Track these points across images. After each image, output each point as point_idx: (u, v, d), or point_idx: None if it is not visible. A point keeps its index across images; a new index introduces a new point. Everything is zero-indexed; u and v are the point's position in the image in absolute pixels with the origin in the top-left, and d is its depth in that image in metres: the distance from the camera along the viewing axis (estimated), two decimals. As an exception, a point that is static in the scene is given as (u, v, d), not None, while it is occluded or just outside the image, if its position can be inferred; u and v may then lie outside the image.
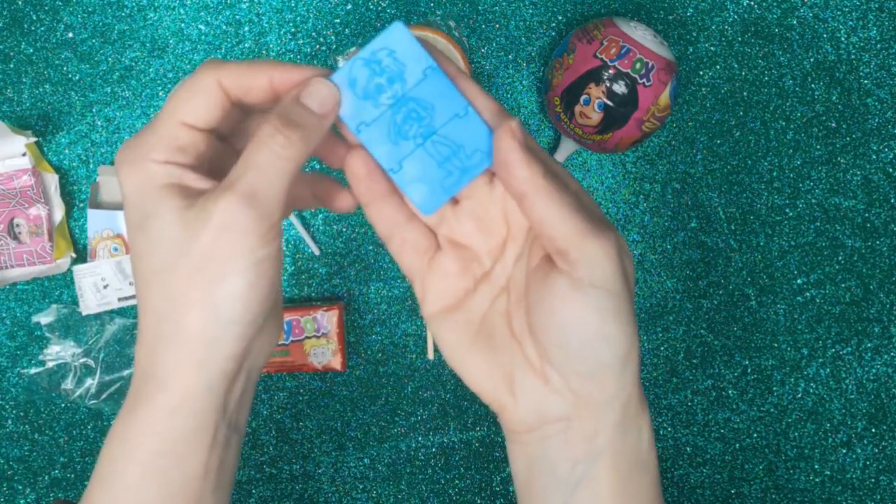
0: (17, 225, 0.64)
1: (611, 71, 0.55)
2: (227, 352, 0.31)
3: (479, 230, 0.37)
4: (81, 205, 0.65)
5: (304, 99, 0.33)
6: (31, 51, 0.64)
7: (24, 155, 0.62)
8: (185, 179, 0.32)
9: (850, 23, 0.65)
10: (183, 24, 0.64)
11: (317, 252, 0.65)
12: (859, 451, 0.68)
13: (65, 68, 0.64)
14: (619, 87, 0.55)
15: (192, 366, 0.31)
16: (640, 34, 0.56)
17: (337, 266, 0.66)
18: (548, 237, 0.33)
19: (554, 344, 0.33)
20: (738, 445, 0.68)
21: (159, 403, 0.31)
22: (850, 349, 0.67)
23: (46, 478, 0.67)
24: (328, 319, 0.63)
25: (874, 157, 0.66)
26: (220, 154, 0.35)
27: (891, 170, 0.66)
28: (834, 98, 0.65)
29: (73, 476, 0.67)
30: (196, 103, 0.32)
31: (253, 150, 0.32)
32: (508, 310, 0.36)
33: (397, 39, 0.34)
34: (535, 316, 0.34)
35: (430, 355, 0.66)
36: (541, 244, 0.35)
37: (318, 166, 0.66)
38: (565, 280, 0.32)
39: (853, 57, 0.65)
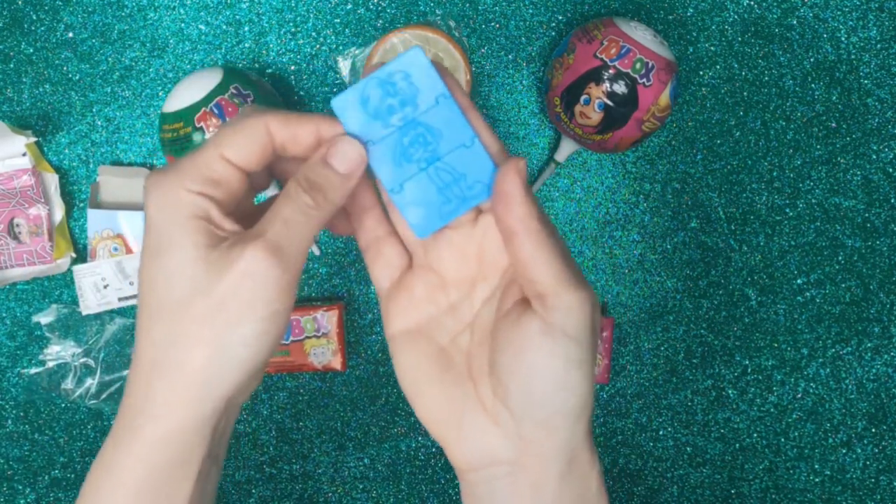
0: (17, 225, 0.64)
1: (611, 71, 0.55)
2: (225, 392, 0.32)
3: (453, 262, 0.37)
4: (81, 205, 0.65)
5: (330, 159, 0.34)
6: (31, 51, 0.64)
7: (24, 155, 0.62)
8: (211, 215, 0.32)
9: (850, 23, 0.65)
10: (183, 24, 0.64)
11: (317, 252, 0.65)
12: (859, 451, 0.68)
13: (65, 68, 0.64)
14: (619, 87, 0.55)
15: (188, 401, 0.32)
16: (640, 34, 0.56)
17: (337, 266, 0.66)
18: (529, 279, 0.33)
19: (516, 387, 0.34)
20: (738, 445, 0.68)
21: (148, 435, 0.32)
22: (850, 349, 0.67)
23: (46, 478, 0.67)
24: (328, 319, 0.63)
25: (874, 157, 0.66)
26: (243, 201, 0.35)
27: (891, 170, 0.66)
28: (834, 98, 0.65)
29: (73, 476, 0.67)
30: (240, 140, 0.33)
31: (282, 204, 0.32)
32: (470, 349, 0.37)
33: (414, 64, 0.34)
34: (502, 357, 0.34)
35: (430, 355, 0.66)
36: (517, 288, 0.35)
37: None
38: (538, 324, 0.33)
39: (853, 57, 0.65)
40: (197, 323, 0.31)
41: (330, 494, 0.68)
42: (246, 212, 0.35)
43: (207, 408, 0.32)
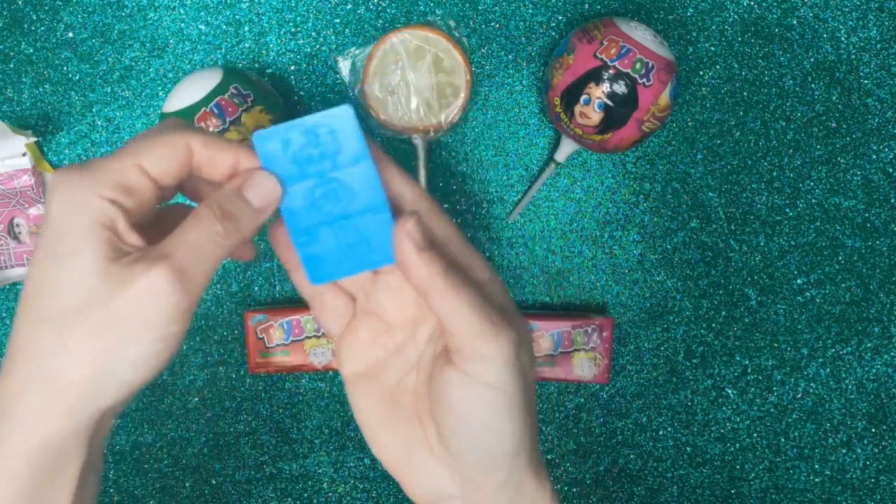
0: (17, 225, 0.64)
1: (611, 71, 0.55)
2: (104, 406, 0.31)
3: (394, 304, 0.38)
4: (81, 205, 0.65)
5: (245, 191, 0.34)
6: (31, 51, 0.64)
7: (24, 155, 0.62)
8: (117, 225, 0.31)
9: (850, 23, 0.65)
10: (183, 24, 0.64)
11: (317, 252, 0.65)
12: (859, 451, 0.68)
13: (65, 68, 0.64)
14: (619, 87, 0.55)
15: (63, 411, 0.31)
16: (640, 34, 0.56)
17: (337, 266, 0.66)
18: (447, 333, 0.34)
19: (449, 432, 0.35)
20: (738, 445, 0.68)
21: (17, 445, 0.31)
22: (850, 349, 0.67)
23: (46, 478, 0.67)
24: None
25: (874, 157, 0.66)
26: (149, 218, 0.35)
27: (891, 170, 0.66)
28: (834, 98, 0.65)
29: (73, 476, 0.67)
30: (159, 152, 0.32)
31: (192, 227, 0.32)
32: (416, 390, 0.37)
33: (342, 121, 0.34)
34: (435, 403, 0.35)
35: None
36: None
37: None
38: (459, 375, 0.33)
39: (853, 57, 0.65)
40: (88, 334, 0.30)
41: (330, 494, 0.68)
42: (146, 221, 0.35)
43: (84, 418, 0.31)
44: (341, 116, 0.34)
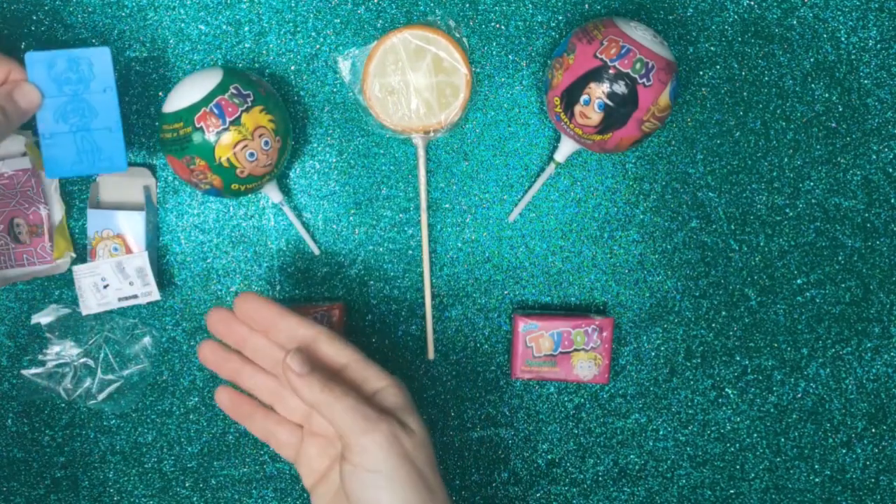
0: (17, 225, 0.64)
1: (611, 71, 0.55)
2: None
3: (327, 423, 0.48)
4: (81, 205, 0.65)
5: (16, 95, 0.48)
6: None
7: (24, 155, 0.62)
8: None
9: (850, 23, 0.65)
10: (183, 24, 0.64)
11: (317, 252, 0.65)
12: (859, 451, 0.68)
13: (65, 68, 0.64)
14: (619, 87, 0.55)
15: None
16: (640, 34, 0.56)
17: (337, 266, 0.66)
18: (338, 434, 0.44)
19: None
20: (738, 445, 0.68)
21: None
22: (850, 349, 0.67)
23: (46, 478, 0.67)
24: (328, 319, 0.63)
25: (874, 157, 0.66)
26: None
27: (891, 170, 0.66)
28: (834, 98, 0.65)
29: (73, 476, 0.67)
30: None
31: None
32: None
33: (100, 59, 0.49)
34: (346, 492, 0.45)
35: (431, 355, 0.66)
36: None
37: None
38: (350, 466, 0.44)
39: (853, 57, 0.65)
40: None
41: (330, 494, 0.68)
42: None
43: None
44: (100, 55, 0.49)
